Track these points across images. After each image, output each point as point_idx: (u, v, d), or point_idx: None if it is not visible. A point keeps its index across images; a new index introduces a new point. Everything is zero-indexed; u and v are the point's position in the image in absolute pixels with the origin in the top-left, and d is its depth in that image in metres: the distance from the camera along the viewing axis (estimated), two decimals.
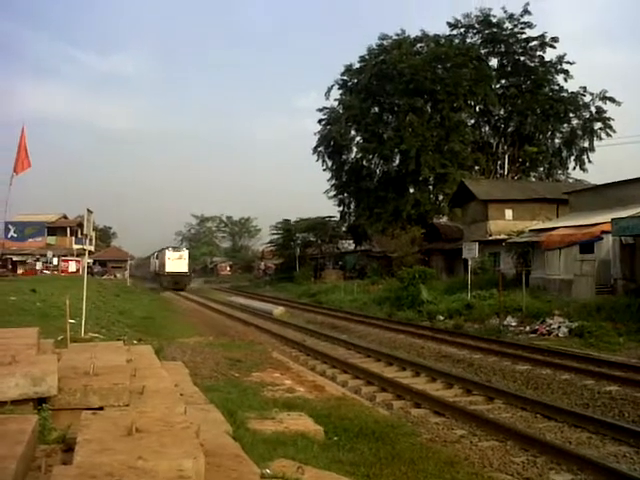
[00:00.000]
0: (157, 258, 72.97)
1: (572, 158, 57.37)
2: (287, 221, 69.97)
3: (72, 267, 66.23)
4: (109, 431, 4.31)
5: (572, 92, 55.52)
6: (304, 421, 8.96)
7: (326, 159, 62.27)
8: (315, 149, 62.55)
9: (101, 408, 5.66)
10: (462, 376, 14.95)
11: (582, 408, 11.82)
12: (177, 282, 62.12)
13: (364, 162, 59.77)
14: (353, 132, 60.18)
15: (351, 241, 66.49)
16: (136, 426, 4.29)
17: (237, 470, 4.85)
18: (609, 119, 55.15)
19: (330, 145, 60.75)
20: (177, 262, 63.06)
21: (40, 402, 5.67)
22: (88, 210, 17.38)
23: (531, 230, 34.00)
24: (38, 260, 67.81)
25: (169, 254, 63.99)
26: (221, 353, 16.58)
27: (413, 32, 58.22)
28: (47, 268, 66.16)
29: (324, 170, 62.89)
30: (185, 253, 65.85)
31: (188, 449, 4.01)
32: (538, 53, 55.92)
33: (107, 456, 3.80)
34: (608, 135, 55.40)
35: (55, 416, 5.68)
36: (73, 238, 72.45)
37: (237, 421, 7.92)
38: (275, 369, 15.02)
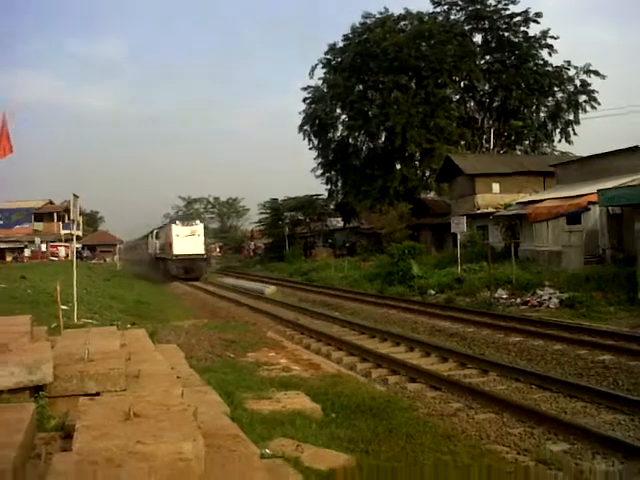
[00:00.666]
0: (158, 237, 56.65)
1: (557, 131, 57.48)
2: (275, 200, 69.58)
3: (62, 252, 66.03)
4: (107, 417, 4.29)
5: (557, 66, 55.39)
6: (301, 400, 8.97)
7: (312, 138, 62.16)
8: (301, 128, 62.40)
9: (98, 394, 5.65)
10: (456, 350, 15.00)
11: (576, 378, 11.90)
12: (189, 269, 46.52)
13: (350, 140, 59.76)
14: (338, 110, 60.04)
15: (340, 219, 66.42)
16: (134, 410, 4.27)
17: (236, 450, 4.85)
18: (593, 92, 55.17)
19: (315, 124, 60.62)
20: (189, 240, 46.74)
21: (36, 390, 5.65)
22: (74, 195, 17.24)
23: (518, 203, 34.09)
24: (26, 247, 67.50)
25: (177, 229, 47.45)
26: (216, 334, 16.56)
27: (397, 10, 57.91)
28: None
29: (310, 149, 62.84)
30: (199, 227, 48.53)
31: (187, 432, 4.00)
32: (522, 29, 55.71)
33: (106, 442, 3.79)
34: (593, 107, 55.54)
35: (52, 403, 5.66)
36: (60, 223, 72.26)
37: (234, 402, 7.93)
38: (270, 349, 15.03)
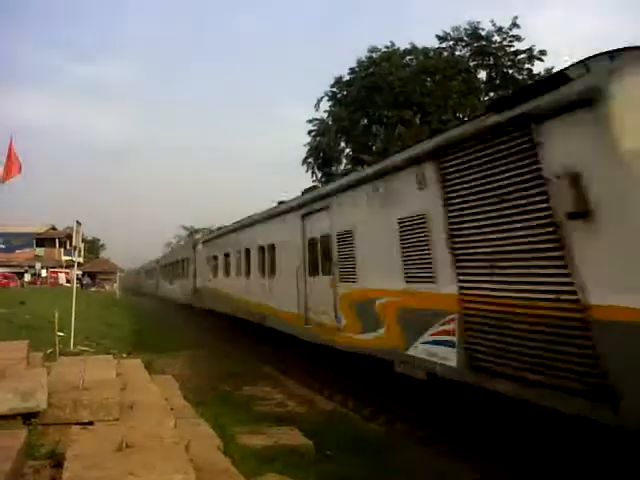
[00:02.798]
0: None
1: None
2: None
3: (62, 279, 65.93)
4: (99, 446, 4.29)
5: None
6: (294, 435, 8.93)
7: (316, 170, 62.16)
8: (305, 160, 62.45)
9: (91, 423, 5.64)
10: None
11: None
12: None
13: None
14: (343, 144, 60.26)
15: None
16: (126, 441, 4.27)
17: None
18: None
19: (320, 157, 60.71)
20: None
21: (29, 417, 5.64)
22: (77, 222, 17.33)
23: None
24: (27, 272, 67.42)
25: None
26: (212, 367, 16.48)
27: (402, 44, 58.56)
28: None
29: (314, 181, 62.78)
30: None
31: (178, 464, 4.00)
32: (526, 66, 56.24)
33: (97, 472, 3.78)
34: None
35: (44, 431, 5.64)
36: (62, 249, 72.33)
37: (227, 435, 7.88)
38: (266, 383, 14.95)
